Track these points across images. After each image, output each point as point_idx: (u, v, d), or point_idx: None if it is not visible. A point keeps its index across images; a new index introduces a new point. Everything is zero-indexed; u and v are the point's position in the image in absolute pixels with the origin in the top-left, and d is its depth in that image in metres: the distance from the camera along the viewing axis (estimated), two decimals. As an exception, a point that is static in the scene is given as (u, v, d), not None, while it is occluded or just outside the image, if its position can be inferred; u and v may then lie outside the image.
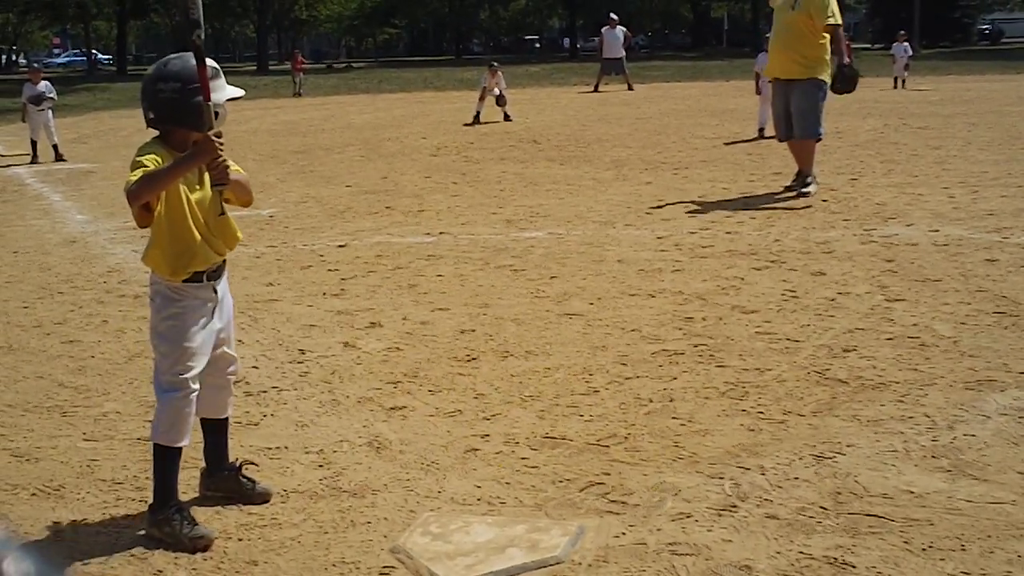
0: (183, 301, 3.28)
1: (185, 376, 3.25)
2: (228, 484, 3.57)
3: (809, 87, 9.49)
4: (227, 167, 3.21)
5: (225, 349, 3.49)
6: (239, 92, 3.40)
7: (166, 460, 3.32)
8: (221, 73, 3.33)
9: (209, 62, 3.24)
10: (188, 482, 3.67)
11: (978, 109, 18.38)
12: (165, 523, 3.25)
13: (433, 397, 4.55)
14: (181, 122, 3.21)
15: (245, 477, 3.58)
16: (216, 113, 3.24)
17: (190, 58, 3.21)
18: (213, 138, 3.12)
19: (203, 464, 3.64)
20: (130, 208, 3.15)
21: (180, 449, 3.32)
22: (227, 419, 3.63)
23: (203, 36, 3.16)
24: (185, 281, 3.27)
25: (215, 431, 3.60)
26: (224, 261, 3.45)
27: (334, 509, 3.47)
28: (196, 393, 3.29)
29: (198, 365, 3.29)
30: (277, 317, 6.02)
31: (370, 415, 4.35)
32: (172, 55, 3.33)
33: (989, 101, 20.16)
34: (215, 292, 3.38)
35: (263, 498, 3.55)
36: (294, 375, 4.95)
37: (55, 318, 6.24)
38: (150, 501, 3.36)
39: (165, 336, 3.28)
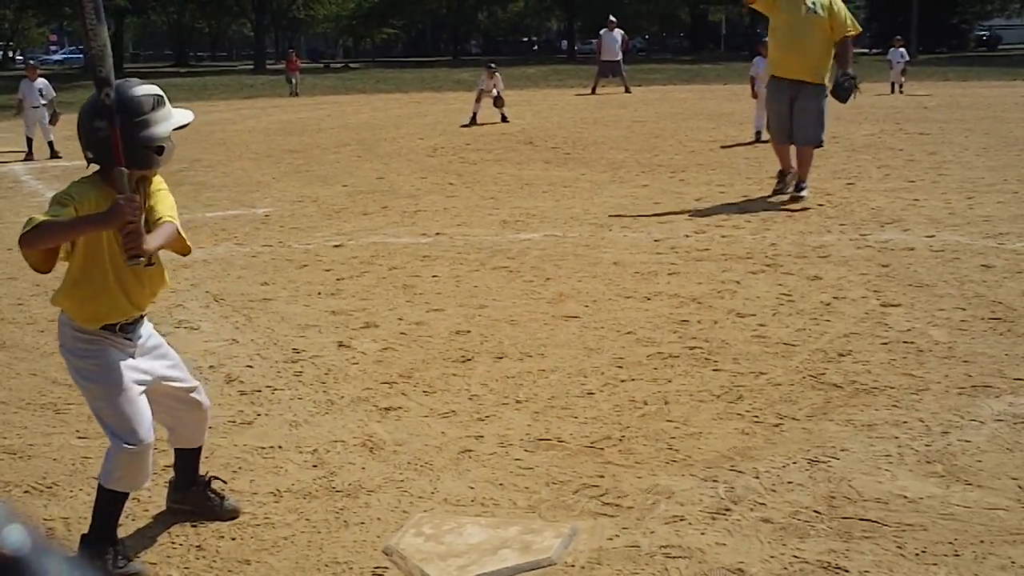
0: (98, 343, 3.06)
1: (138, 431, 3.01)
2: (195, 499, 3.45)
3: (818, 92, 9.45)
4: (140, 237, 2.89)
5: (179, 385, 3.28)
6: (187, 117, 3.13)
7: (114, 503, 3.11)
8: (166, 100, 3.07)
9: (151, 89, 3.03)
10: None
11: (975, 115, 18.40)
12: (97, 557, 3.01)
13: (427, 398, 4.55)
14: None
15: (213, 492, 3.47)
16: (161, 148, 3.01)
17: (129, 87, 3.00)
18: (124, 203, 2.83)
19: (173, 475, 3.53)
20: (21, 251, 2.90)
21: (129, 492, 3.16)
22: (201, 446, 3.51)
23: (112, 95, 2.92)
24: (100, 328, 3.06)
25: (188, 454, 3.48)
26: (142, 316, 3.19)
27: (327, 509, 3.46)
28: (152, 445, 3.08)
29: (143, 411, 3.05)
30: (272, 316, 6.01)
31: (364, 415, 4.35)
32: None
33: (986, 107, 20.19)
34: (129, 339, 3.13)
35: (230, 515, 3.43)
36: (288, 374, 4.94)
37: (49, 315, 6.20)
38: (84, 532, 3.15)
39: (92, 376, 3.04)
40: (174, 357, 3.31)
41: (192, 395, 3.33)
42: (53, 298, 3.12)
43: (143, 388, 3.11)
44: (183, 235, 3.13)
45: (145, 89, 3.05)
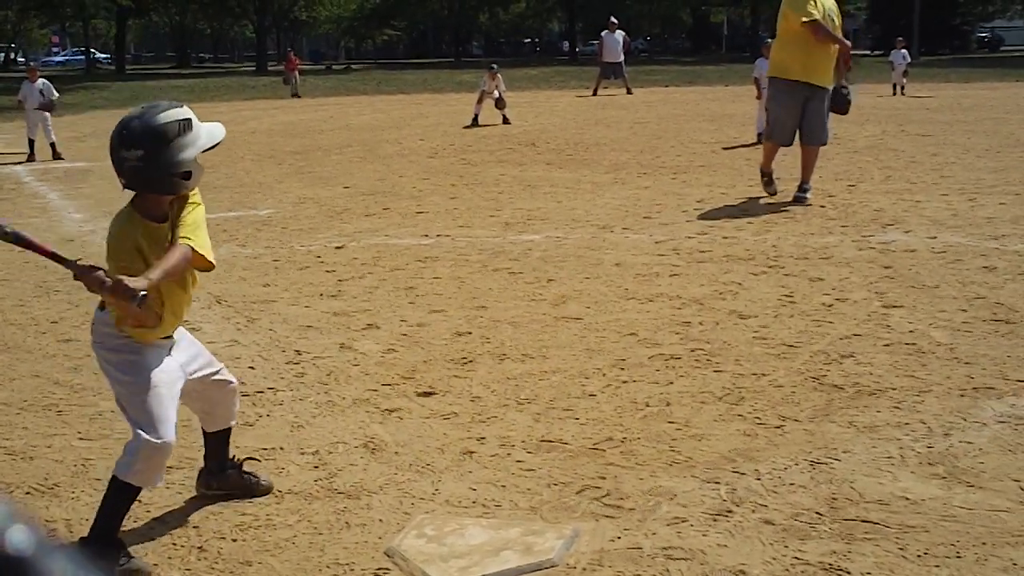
0: (142, 347, 3.13)
1: (161, 428, 3.05)
2: (233, 481, 3.57)
3: (827, 94, 9.62)
4: (123, 290, 2.79)
5: (207, 372, 3.37)
6: (216, 137, 3.13)
7: (125, 499, 3.13)
8: (193, 122, 3.05)
9: (176, 114, 3.00)
10: (183, 482, 3.67)
11: (976, 116, 18.40)
12: (99, 556, 3.00)
13: (429, 399, 4.55)
14: (150, 189, 3.05)
15: (247, 473, 3.59)
16: (188, 173, 3.02)
17: (154, 115, 2.99)
18: (81, 278, 2.81)
19: (202, 463, 3.63)
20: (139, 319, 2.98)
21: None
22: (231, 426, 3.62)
23: (7, 229, 2.92)
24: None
25: (220, 436, 3.59)
26: None
27: (329, 510, 3.46)
28: (173, 446, 3.13)
29: (171, 411, 3.10)
30: (274, 318, 6.01)
31: (366, 416, 4.35)
32: (135, 110, 3.06)
33: (987, 108, 20.18)
34: (169, 338, 3.23)
35: (266, 490, 3.58)
36: (290, 376, 4.94)
37: (51, 316, 6.22)
38: (84, 534, 3.14)
39: (127, 370, 3.09)
40: (198, 345, 3.42)
41: (218, 378, 3.43)
42: (117, 320, 3.05)
43: (178, 388, 3.17)
44: (202, 252, 3.09)
45: (170, 115, 3.02)
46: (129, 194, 3.12)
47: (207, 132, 3.11)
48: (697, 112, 21.54)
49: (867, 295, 6.13)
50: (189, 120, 3.05)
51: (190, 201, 3.16)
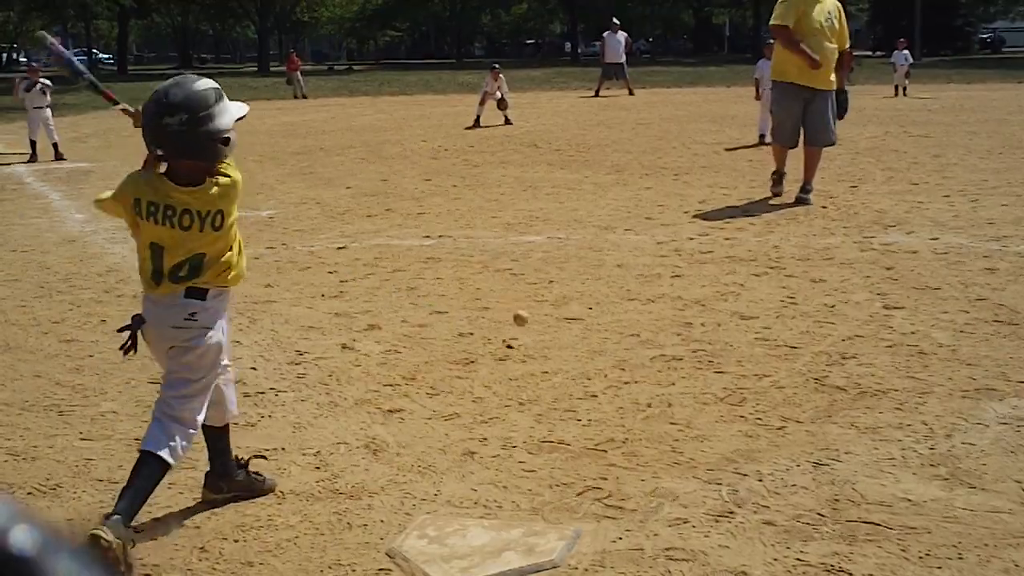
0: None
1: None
2: (243, 483, 3.56)
3: (830, 96, 9.67)
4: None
5: None
6: (244, 110, 3.29)
7: (161, 478, 3.23)
8: (223, 94, 3.21)
9: (210, 83, 3.16)
10: (184, 483, 3.67)
11: (979, 118, 18.37)
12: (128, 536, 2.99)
13: (431, 400, 4.55)
14: (193, 155, 3.12)
15: (254, 473, 3.60)
16: (227, 139, 3.14)
17: (191, 83, 3.14)
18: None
19: (201, 465, 3.62)
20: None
21: None
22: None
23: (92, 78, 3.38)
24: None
25: (224, 433, 3.57)
26: None
27: (330, 511, 3.46)
28: None
29: None
30: (275, 318, 6.01)
31: (368, 417, 4.35)
32: (169, 82, 3.20)
33: (990, 110, 20.16)
34: None
35: (270, 489, 3.60)
36: (292, 376, 4.94)
37: (53, 317, 6.23)
38: (110, 512, 3.06)
39: (224, 346, 3.38)
40: None
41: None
42: (233, 280, 3.37)
43: None
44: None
45: (205, 83, 3.17)
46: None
47: (235, 105, 3.27)
48: (699, 113, 21.53)
49: (869, 296, 6.13)
50: (220, 90, 3.19)
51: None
